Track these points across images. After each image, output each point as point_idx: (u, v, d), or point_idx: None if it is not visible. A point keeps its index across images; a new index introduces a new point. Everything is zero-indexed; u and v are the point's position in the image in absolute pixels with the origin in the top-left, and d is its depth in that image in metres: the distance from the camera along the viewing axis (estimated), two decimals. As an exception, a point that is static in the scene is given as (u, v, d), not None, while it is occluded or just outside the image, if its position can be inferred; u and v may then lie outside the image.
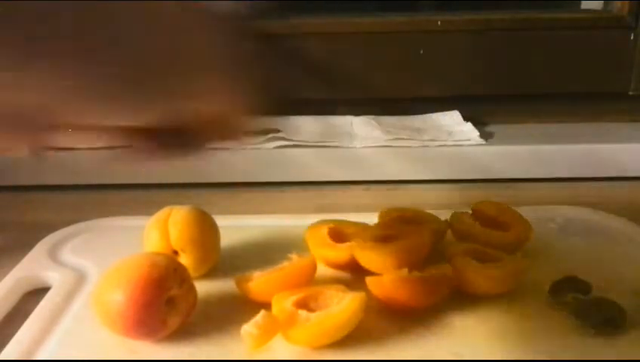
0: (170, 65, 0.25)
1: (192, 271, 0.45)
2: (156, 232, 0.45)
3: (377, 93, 0.88)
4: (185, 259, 0.45)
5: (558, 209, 0.59)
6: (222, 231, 0.48)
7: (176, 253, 0.45)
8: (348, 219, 0.50)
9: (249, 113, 0.32)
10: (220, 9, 0.27)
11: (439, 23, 0.85)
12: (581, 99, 0.88)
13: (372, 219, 0.51)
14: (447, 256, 0.44)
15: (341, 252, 0.46)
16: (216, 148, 0.74)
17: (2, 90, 0.21)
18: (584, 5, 0.93)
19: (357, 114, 0.86)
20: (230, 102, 0.30)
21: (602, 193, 0.70)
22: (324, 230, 0.48)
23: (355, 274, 0.45)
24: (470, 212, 0.51)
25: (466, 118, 0.83)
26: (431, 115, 0.86)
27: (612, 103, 0.88)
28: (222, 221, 0.48)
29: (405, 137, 0.74)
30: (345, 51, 0.86)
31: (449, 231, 0.49)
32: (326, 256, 0.46)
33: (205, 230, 0.46)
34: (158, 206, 0.47)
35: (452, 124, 0.82)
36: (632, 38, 0.85)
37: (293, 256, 0.44)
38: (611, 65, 0.87)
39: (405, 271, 0.40)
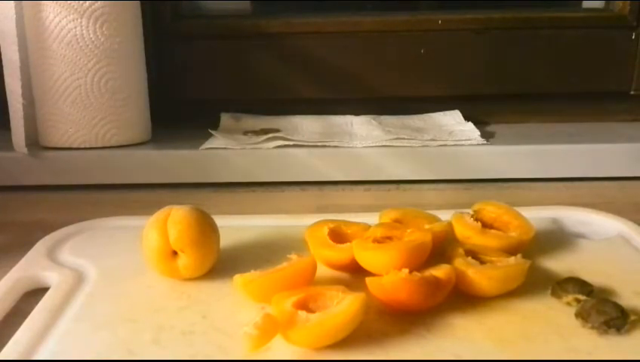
0: None
1: (191, 272, 0.45)
2: (155, 232, 0.45)
3: (377, 93, 0.88)
4: (184, 260, 0.45)
5: (558, 209, 0.59)
6: (222, 231, 0.48)
7: (175, 253, 0.45)
8: (348, 220, 0.50)
9: None
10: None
11: (440, 22, 0.85)
12: (582, 98, 0.88)
13: (372, 219, 0.51)
14: (448, 257, 0.44)
15: (341, 252, 0.46)
16: (215, 148, 0.74)
17: None
18: (585, 5, 0.93)
19: (357, 114, 0.86)
20: None
21: (602, 193, 0.70)
22: (324, 230, 0.48)
23: (355, 275, 0.45)
24: (471, 212, 0.51)
25: (466, 118, 0.83)
26: (431, 114, 0.86)
27: (613, 103, 0.88)
28: (222, 221, 0.48)
29: (406, 137, 0.74)
30: (345, 51, 0.86)
31: (450, 232, 0.49)
32: (326, 256, 0.46)
33: (205, 230, 0.46)
34: (158, 206, 0.47)
35: (453, 124, 0.82)
36: (633, 37, 0.85)
37: (293, 257, 0.44)
38: (612, 64, 0.87)
39: (406, 271, 0.40)
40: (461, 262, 0.43)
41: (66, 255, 0.51)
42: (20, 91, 0.70)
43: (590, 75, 0.87)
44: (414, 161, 0.73)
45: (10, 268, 0.48)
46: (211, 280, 0.46)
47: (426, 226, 0.48)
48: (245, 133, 0.79)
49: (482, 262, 0.43)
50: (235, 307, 0.42)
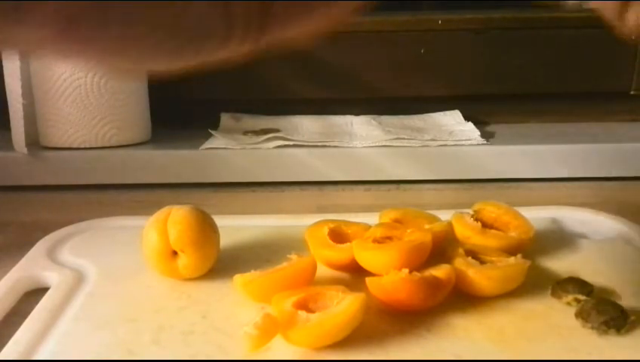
0: None
1: (191, 272, 0.45)
2: (155, 232, 0.45)
3: (377, 93, 0.88)
4: (184, 260, 0.45)
5: (558, 209, 0.59)
6: (222, 231, 0.48)
7: (175, 253, 0.45)
8: (348, 220, 0.50)
9: None
10: None
11: (440, 22, 0.85)
12: (582, 99, 0.88)
13: (372, 219, 0.51)
14: (448, 257, 0.44)
15: (341, 252, 0.46)
16: (215, 148, 0.74)
17: None
18: (586, 5, 0.93)
19: (357, 114, 0.86)
20: None
21: (602, 193, 0.70)
22: (324, 230, 0.48)
23: (355, 275, 0.45)
24: (471, 213, 0.51)
25: (466, 118, 0.83)
26: (431, 114, 0.86)
27: (613, 103, 0.88)
28: (222, 221, 0.48)
29: (406, 137, 0.74)
30: (345, 51, 0.86)
31: (450, 232, 0.49)
32: (326, 256, 0.46)
33: (205, 230, 0.46)
34: (158, 206, 0.47)
35: (453, 124, 0.82)
36: (633, 37, 0.85)
37: (293, 256, 0.44)
38: (612, 64, 0.86)
39: (406, 271, 0.40)
40: (461, 262, 0.43)
41: (66, 255, 0.51)
42: (20, 91, 0.70)
43: (590, 75, 0.87)
44: (414, 161, 0.73)
45: (10, 268, 0.48)
46: (211, 280, 0.46)
47: (426, 226, 0.48)
48: (245, 133, 0.79)
49: (482, 262, 0.43)
50: (235, 307, 0.42)
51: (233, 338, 0.38)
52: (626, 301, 0.40)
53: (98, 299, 0.44)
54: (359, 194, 0.71)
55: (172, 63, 0.21)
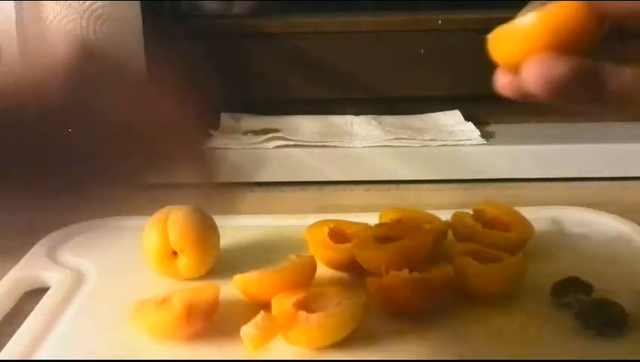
0: None
1: (191, 272, 0.45)
2: (155, 233, 0.45)
3: (377, 93, 0.87)
4: (184, 260, 0.45)
5: (558, 209, 0.59)
6: (222, 231, 0.48)
7: (175, 253, 0.45)
8: (348, 220, 0.50)
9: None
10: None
11: (440, 22, 0.85)
12: (582, 98, 0.88)
13: (372, 219, 0.51)
14: (448, 257, 0.44)
15: (341, 252, 0.46)
16: (215, 148, 0.73)
17: None
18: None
19: (357, 114, 0.86)
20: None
21: (602, 193, 0.70)
22: (324, 230, 0.48)
23: (355, 275, 0.45)
24: (471, 212, 0.51)
25: (466, 118, 0.83)
26: (431, 114, 0.86)
27: (613, 103, 0.88)
28: (222, 221, 0.48)
29: (406, 137, 0.74)
30: (345, 51, 0.86)
31: (450, 232, 0.49)
32: (326, 256, 0.46)
33: (205, 230, 0.46)
34: (158, 206, 0.47)
35: (453, 124, 0.82)
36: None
37: (293, 256, 0.44)
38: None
39: (406, 271, 0.40)
40: (461, 262, 0.43)
41: (66, 255, 0.51)
42: (19, 91, 0.70)
43: (590, 75, 0.87)
44: (414, 161, 0.73)
45: (10, 268, 0.48)
46: (211, 280, 0.46)
47: (426, 226, 0.48)
48: (245, 133, 0.79)
49: (482, 262, 0.43)
50: (235, 307, 0.42)
51: (233, 339, 0.38)
52: (626, 301, 0.40)
53: (98, 298, 0.44)
54: (359, 194, 0.71)
55: None
